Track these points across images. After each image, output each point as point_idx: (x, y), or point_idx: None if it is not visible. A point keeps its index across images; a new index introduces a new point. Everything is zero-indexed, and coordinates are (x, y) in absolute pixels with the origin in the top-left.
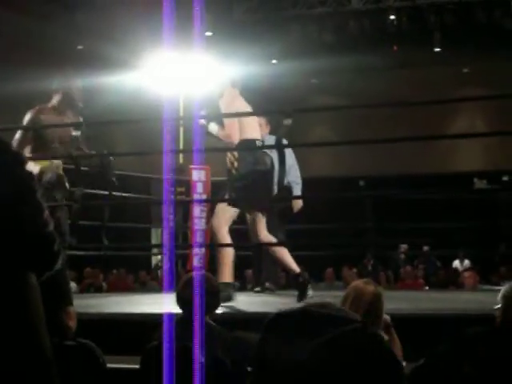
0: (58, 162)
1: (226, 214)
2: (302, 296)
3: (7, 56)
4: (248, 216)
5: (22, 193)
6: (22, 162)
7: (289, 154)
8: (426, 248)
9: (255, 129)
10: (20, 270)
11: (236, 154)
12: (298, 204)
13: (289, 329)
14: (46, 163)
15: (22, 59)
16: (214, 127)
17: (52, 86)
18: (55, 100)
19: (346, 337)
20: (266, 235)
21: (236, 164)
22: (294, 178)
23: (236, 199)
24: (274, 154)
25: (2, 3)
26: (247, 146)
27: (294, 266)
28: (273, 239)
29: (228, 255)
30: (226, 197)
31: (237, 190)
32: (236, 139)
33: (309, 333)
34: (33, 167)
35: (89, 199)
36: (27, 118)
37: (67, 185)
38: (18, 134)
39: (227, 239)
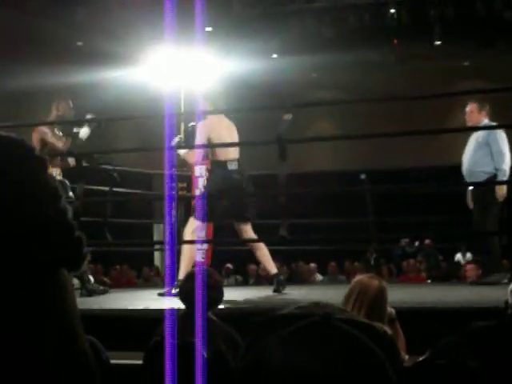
0: (56, 170)
1: (194, 225)
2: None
3: (7, 52)
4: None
5: (47, 197)
6: (46, 166)
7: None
8: (427, 241)
9: (228, 150)
10: (53, 268)
11: (207, 174)
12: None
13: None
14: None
15: (21, 55)
16: (181, 151)
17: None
18: (53, 116)
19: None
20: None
21: (205, 183)
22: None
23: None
24: None
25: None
26: (218, 166)
27: (271, 267)
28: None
29: (189, 255)
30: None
31: (200, 207)
32: (197, 163)
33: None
34: None
35: (91, 195)
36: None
37: (70, 193)
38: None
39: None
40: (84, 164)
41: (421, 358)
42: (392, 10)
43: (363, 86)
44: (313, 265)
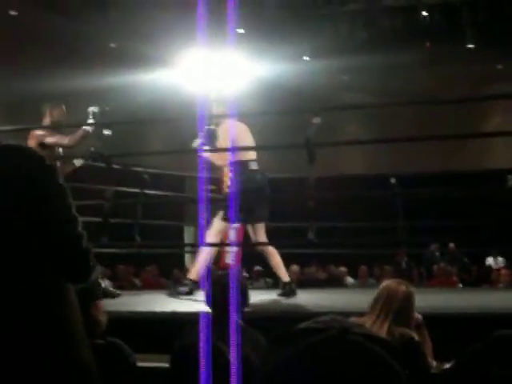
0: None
1: (218, 227)
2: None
3: (41, 56)
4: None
5: (58, 208)
6: (56, 174)
7: None
8: (451, 245)
9: (249, 152)
10: (57, 277)
11: (229, 174)
12: None
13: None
14: None
15: (55, 57)
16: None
17: (42, 109)
18: (46, 122)
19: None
20: (261, 239)
21: (229, 183)
22: None
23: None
24: None
25: (33, 3)
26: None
27: (283, 274)
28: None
29: (206, 256)
30: (221, 213)
31: (227, 208)
32: (224, 164)
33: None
34: None
35: (122, 197)
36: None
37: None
38: None
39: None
40: (114, 166)
41: (447, 365)
42: (424, 13)
43: (395, 88)
44: (343, 268)
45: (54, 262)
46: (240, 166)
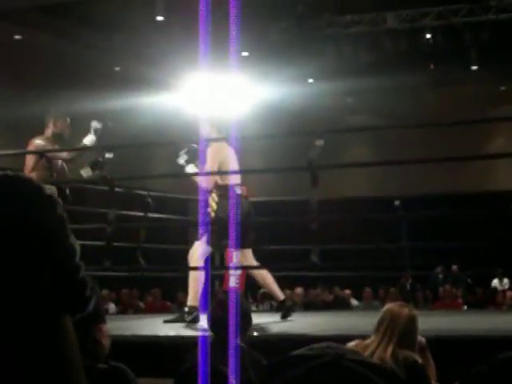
0: (53, 188)
1: (202, 249)
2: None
3: (44, 78)
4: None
5: (55, 241)
6: (56, 204)
7: None
8: (454, 267)
9: (235, 176)
10: (54, 313)
11: (216, 198)
12: None
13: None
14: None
15: (59, 82)
16: (191, 170)
17: (46, 118)
18: (48, 133)
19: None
20: (250, 263)
21: (215, 207)
22: None
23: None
24: None
25: (37, 27)
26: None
27: (278, 294)
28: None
29: (196, 280)
30: (205, 237)
31: (211, 232)
32: (209, 187)
33: None
34: None
35: (125, 221)
36: (39, 143)
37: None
38: (30, 161)
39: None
40: (117, 189)
41: None
42: (428, 35)
43: (398, 111)
44: (348, 291)
45: (50, 294)
46: (228, 191)
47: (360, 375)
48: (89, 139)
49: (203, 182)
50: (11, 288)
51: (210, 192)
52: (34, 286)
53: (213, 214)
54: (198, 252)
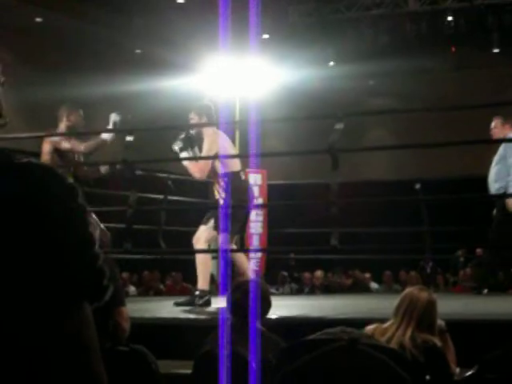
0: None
1: (209, 234)
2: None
3: (66, 61)
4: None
5: (71, 224)
6: (76, 194)
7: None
8: (479, 250)
9: (236, 162)
10: (73, 300)
11: (221, 184)
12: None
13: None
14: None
15: (79, 64)
16: (185, 156)
17: (58, 112)
18: (61, 127)
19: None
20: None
21: (222, 194)
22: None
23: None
24: None
25: (58, 10)
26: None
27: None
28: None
29: (204, 263)
30: (212, 220)
31: (221, 218)
32: (203, 177)
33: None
34: None
35: (146, 204)
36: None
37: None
38: (46, 156)
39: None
40: (138, 172)
41: (469, 372)
42: (449, 18)
43: (421, 93)
44: (368, 274)
45: (68, 282)
46: (234, 177)
47: (374, 359)
48: (107, 134)
49: (196, 173)
50: (29, 275)
51: (208, 179)
52: (52, 273)
53: (221, 201)
54: (205, 236)
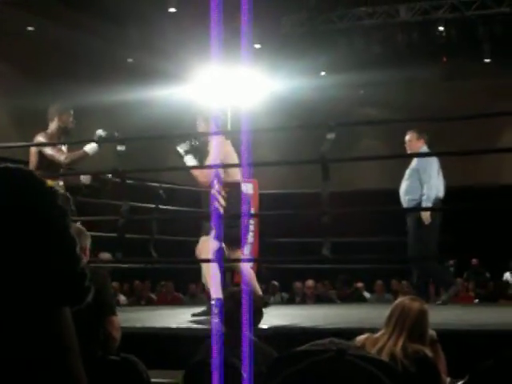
0: (60, 183)
1: (211, 244)
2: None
3: (57, 70)
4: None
5: (55, 229)
6: (57, 197)
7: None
8: (474, 261)
9: (238, 172)
10: (53, 303)
11: (224, 194)
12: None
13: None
14: (52, 183)
15: (73, 73)
16: (190, 161)
17: (48, 111)
18: (52, 127)
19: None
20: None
21: (224, 204)
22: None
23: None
24: None
25: (50, 18)
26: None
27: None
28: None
29: (212, 272)
30: (213, 230)
31: (224, 228)
32: (207, 183)
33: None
34: None
35: (138, 213)
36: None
37: (72, 207)
38: (34, 158)
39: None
40: (128, 181)
41: (460, 383)
42: (441, 28)
43: (411, 103)
44: (360, 284)
45: (48, 284)
46: (232, 187)
47: (362, 370)
48: (90, 147)
49: (202, 177)
50: (10, 278)
51: (209, 187)
52: (32, 276)
53: (221, 210)
54: (207, 246)
